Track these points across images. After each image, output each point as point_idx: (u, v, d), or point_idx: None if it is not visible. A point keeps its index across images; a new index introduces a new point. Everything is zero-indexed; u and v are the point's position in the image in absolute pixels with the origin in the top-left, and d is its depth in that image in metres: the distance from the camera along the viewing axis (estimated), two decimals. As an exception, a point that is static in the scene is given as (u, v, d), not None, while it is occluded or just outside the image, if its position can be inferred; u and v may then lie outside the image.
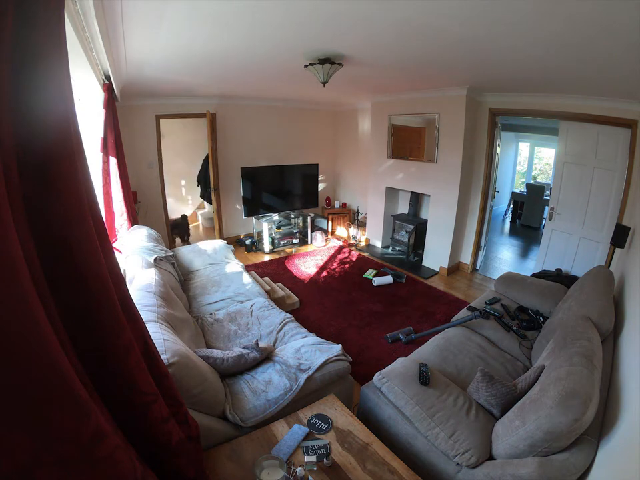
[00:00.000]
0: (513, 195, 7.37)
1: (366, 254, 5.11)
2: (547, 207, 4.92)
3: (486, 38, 1.89)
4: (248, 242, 5.15)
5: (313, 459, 1.30)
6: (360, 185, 5.93)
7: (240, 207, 5.19)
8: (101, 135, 2.73)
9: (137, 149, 4.32)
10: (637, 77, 2.22)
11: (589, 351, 1.41)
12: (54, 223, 0.63)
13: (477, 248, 4.45)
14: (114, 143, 2.85)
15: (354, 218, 5.90)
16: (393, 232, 5.15)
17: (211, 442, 1.38)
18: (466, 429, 1.46)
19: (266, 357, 1.83)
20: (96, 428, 0.60)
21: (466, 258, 4.54)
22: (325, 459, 1.29)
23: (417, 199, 4.95)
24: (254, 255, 5.04)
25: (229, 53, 2.40)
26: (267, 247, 5.03)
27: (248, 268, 3.87)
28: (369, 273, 4.28)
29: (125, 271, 2.40)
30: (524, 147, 7.81)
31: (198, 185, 5.68)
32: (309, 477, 1.23)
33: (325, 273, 4.37)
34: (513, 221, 7.27)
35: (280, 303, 3.18)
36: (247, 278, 3.10)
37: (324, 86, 2.77)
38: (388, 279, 4.05)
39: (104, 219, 1.92)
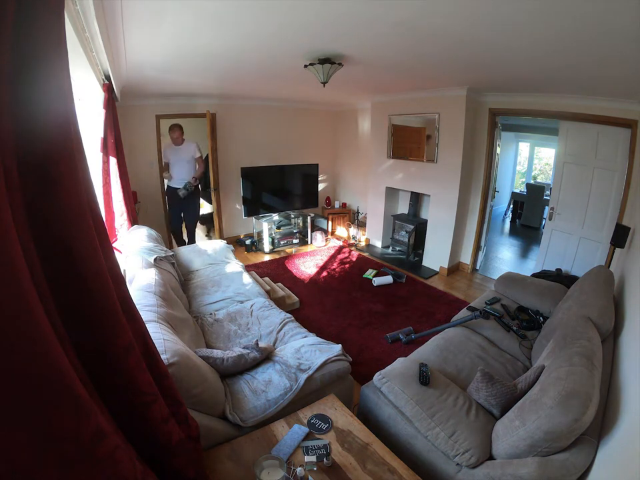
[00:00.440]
0: (513, 194, 7.37)
1: (366, 254, 5.11)
2: (546, 207, 4.91)
3: (486, 38, 1.89)
4: (248, 242, 5.15)
5: (313, 459, 1.30)
6: (360, 184, 5.93)
7: (240, 207, 5.19)
8: (101, 134, 2.73)
9: (137, 149, 4.32)
10: (636, 77, 2.22)
11: (589, 350, 1.41)
12: (54, 223, 0.63)
13: (477, 248, 4.45)
14: (114, 142, 2.84)
15: (354, 218, 5.90)
16: (393, 232, 5.15)
17: (211, 442, 1.38)
18: (466, 429, 1.46)
19: (266, 357, 1.83)
20: (96, 428, 0.60)
21: (466, 258, 4.54)
22: (324, 459, 1.29)
23: (416, 199, 4.95)
24: (254, 254, 5.04)
25: (229, 52, 2.40)
26: (267, 247, 5.03)
27: (248, 268, 3.87)
28: (369, 273, 4.28)
29: (124, 270, 2.40)
30: (524, 147, 7.81)
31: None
32: (309, 477, 1.23)
33: (325, 273, 4.37)
34: (512, 221, 7.27)
35: (280, 303, 3.18)
36: (246, 278, 3.10)
37: (324, 86, 2.77)
38: (388, 279, 4.05)
39: (104, 219, 1.91)
